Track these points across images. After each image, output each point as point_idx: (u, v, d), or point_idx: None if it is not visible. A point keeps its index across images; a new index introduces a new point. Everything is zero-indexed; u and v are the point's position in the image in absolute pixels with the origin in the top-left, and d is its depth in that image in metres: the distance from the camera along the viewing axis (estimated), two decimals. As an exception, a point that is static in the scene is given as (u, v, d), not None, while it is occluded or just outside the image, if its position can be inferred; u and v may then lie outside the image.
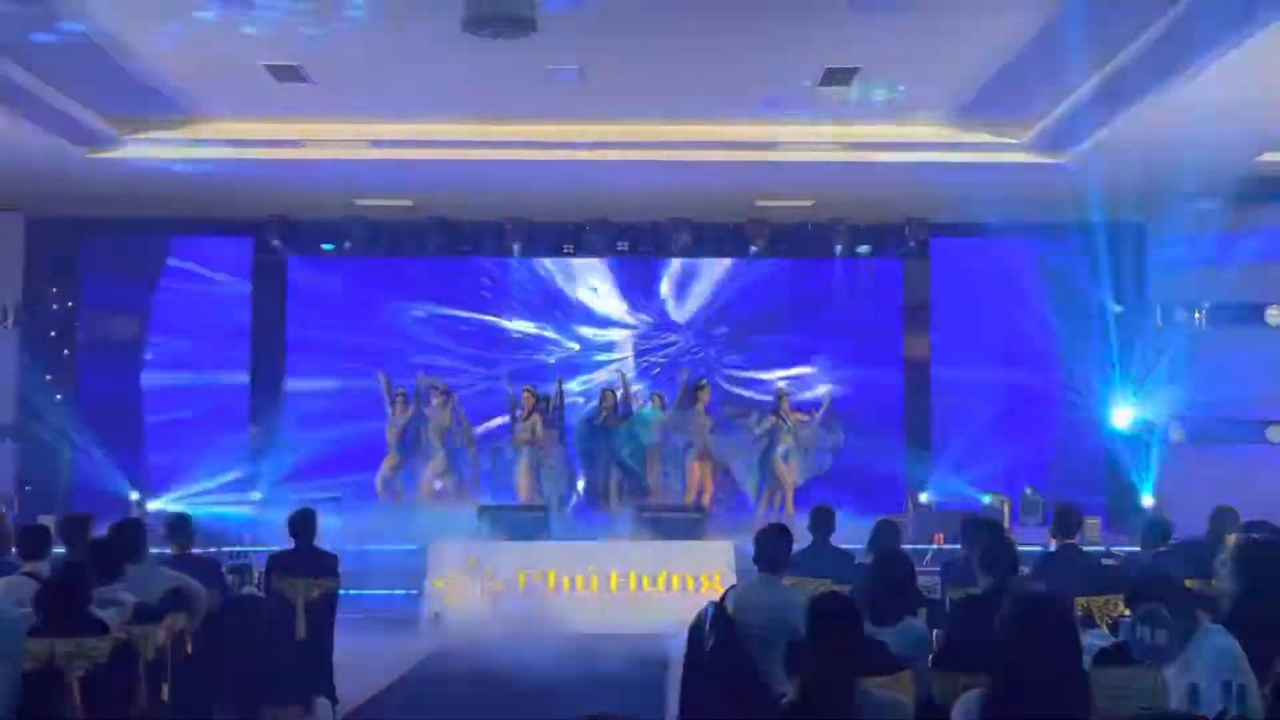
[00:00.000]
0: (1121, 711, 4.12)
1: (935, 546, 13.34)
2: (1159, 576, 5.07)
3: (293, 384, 17.39)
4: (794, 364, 17.79)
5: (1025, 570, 7.54)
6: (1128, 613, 5.26)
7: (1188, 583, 5.20)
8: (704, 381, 16.84)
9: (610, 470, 16.34)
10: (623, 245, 17.15)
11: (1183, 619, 4.68)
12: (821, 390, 17.26)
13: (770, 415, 16.71)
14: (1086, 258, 16.46)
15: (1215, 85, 11.04)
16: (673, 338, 17.98)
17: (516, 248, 16.90)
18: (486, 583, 12.88)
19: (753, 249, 16.88)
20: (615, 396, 16.60)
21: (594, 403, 16.89)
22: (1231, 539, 8.32)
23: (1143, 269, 16.66)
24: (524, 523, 14.04)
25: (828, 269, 17.60)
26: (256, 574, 9.43)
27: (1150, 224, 16.51)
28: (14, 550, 7.71)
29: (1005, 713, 3.63)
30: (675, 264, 17.73)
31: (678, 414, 16.56)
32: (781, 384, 16.99)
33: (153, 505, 15.32)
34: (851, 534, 9.24)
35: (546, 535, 13.94)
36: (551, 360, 17.75)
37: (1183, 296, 16.53)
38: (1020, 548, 6.60)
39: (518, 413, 16.44)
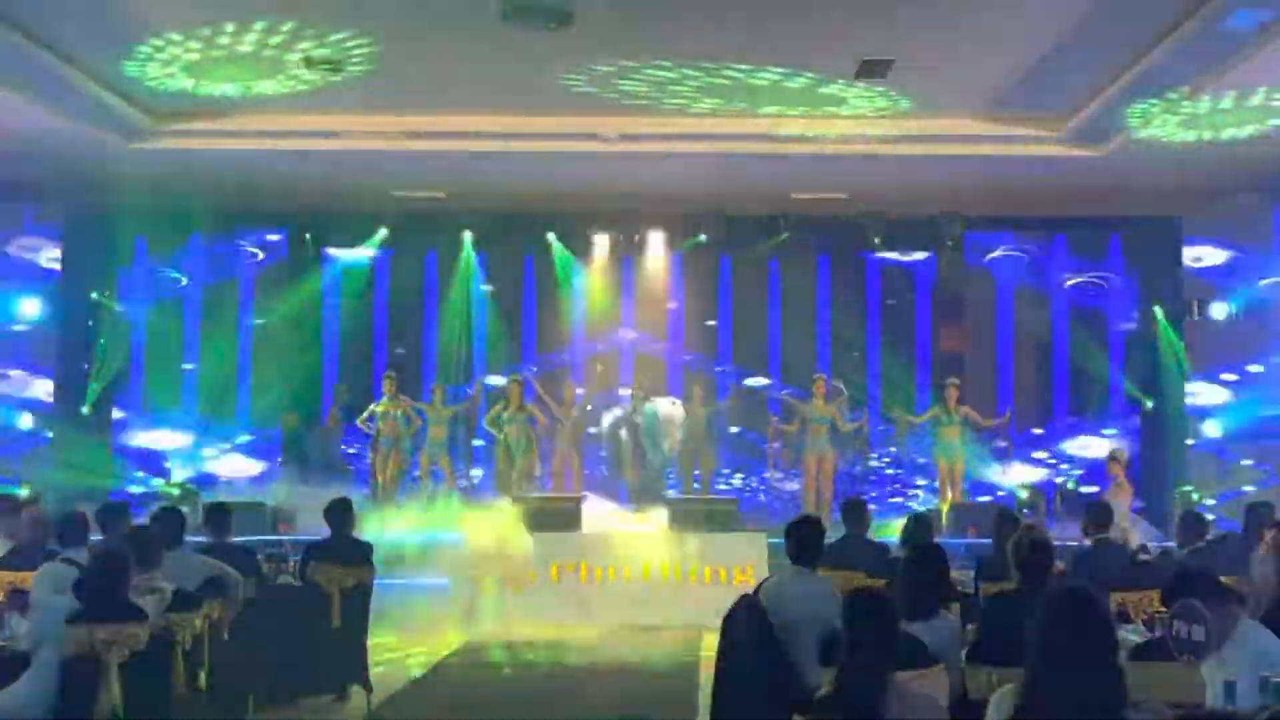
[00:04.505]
0: (1158, 707, 4.10)
1: (968, 540, 13.27)
2: (1197, 572, 5.03)
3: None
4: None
5: (1059, 566, 7.51)
6: (1163, 609, 5.22)
7: (1224, 578, 5.15)
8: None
9: (632, 459, 16.22)
10: (655, 236, 17.16)
11: (1221, 615, 4.65)
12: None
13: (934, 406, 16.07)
14: (1121, 251, 16.37)
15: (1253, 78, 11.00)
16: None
17: (551, 237, 16.95)
18: (519, 573, 12.88)
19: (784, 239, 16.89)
20: (645, 390, 16.48)
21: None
22: (1268, 535, 8.29)
23: (1178, 263, 16.55)
24: (556, 514, 14.05)
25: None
26: (292, 562, 9.47)
27: (1185, 218, 16.38)
28: (53, 538, 7.82)
29: (1041, 708, 3.62)
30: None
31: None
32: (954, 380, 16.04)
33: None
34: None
35: (578, 526, 13.95)
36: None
37: (1218, 291, 16.42)
38: (1055, 542, 6.56)
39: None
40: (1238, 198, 15.37)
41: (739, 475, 17.50)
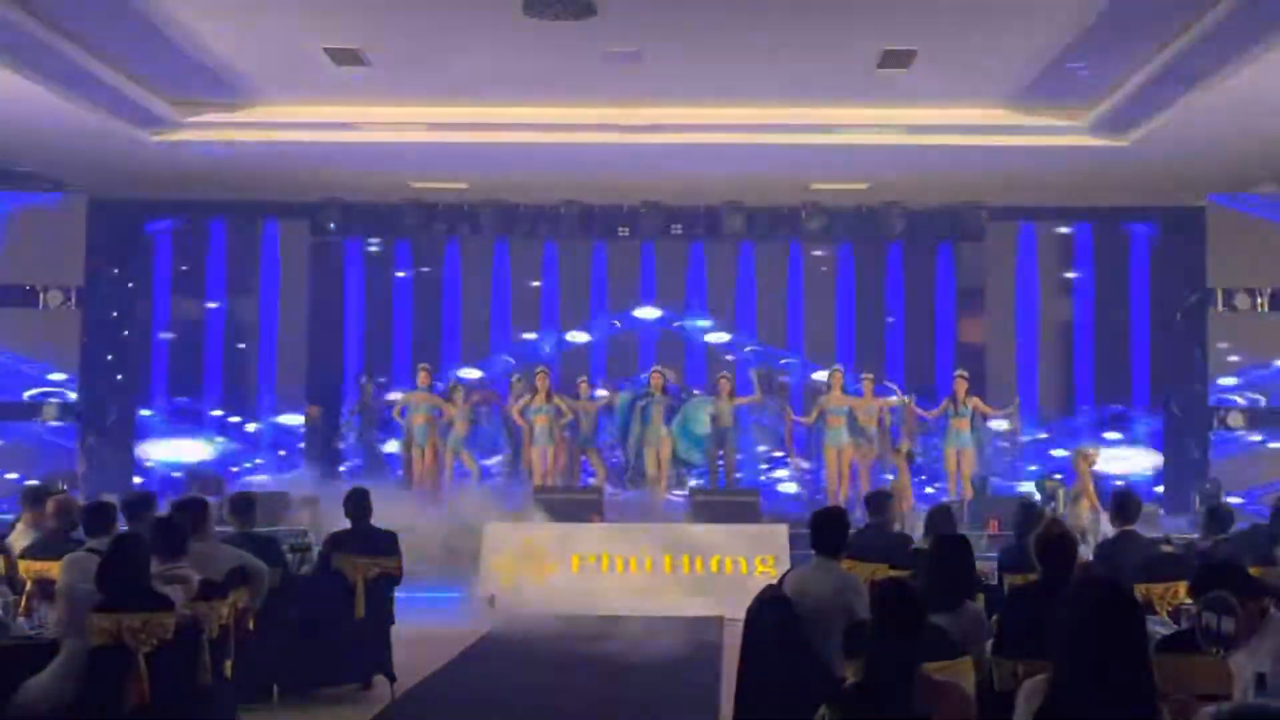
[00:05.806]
0: (1187, 700, 4.08)
1: (990, 532, 13.24)
2: (1226, 562, 5.01)
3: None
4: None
5: (1084, 557, 7.48)
6: (1189, 600, 5.19)
7: (1251, 570, 5.12)
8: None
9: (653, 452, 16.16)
10: (676, 228, 17.13)
11: (1250, 606, 4.63)
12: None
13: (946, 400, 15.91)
14: (1145, 242, 16.31)
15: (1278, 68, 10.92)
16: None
17: (571, 230, 16.95)
18: (540, 564, 12.91)
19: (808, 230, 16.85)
20: (664, 378, 16.39)
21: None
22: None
23: (1202, 253, 16.47)
24: (577, 505, 14.08)
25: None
26: (316, 552, 9.50)
27: (1210, 208, 16.30)
28: (80, 527, 7.84)
29: (1071, 700, 3.61)
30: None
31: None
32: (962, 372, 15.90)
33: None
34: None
35: (600, 517, 13.97)
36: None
37: (1242, 281, 16.33)
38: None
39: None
40: (1262, 188, 15.29)
41: (763, 466, 17.49)
